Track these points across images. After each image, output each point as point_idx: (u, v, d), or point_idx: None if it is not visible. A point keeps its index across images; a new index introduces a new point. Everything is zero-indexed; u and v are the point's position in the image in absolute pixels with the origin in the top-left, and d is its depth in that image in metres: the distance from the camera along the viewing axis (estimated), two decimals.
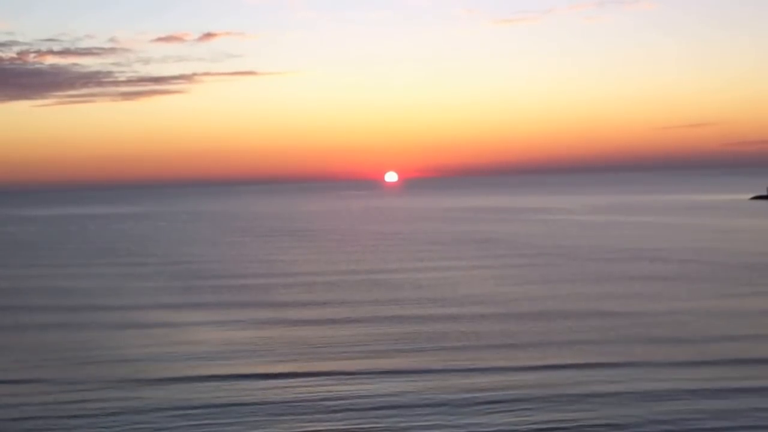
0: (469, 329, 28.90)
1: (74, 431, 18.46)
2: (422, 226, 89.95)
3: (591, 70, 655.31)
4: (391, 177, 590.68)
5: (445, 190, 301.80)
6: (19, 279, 48.83)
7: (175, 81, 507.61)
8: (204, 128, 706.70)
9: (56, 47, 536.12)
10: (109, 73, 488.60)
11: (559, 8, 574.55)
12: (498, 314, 31.76)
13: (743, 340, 26.24)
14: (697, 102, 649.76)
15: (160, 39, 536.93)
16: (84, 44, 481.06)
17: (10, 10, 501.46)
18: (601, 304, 33.73)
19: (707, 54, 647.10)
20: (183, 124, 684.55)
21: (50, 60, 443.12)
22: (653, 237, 66.74)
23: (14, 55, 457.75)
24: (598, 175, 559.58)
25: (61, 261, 59.89)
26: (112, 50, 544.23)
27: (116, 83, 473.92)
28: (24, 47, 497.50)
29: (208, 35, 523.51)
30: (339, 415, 19.07)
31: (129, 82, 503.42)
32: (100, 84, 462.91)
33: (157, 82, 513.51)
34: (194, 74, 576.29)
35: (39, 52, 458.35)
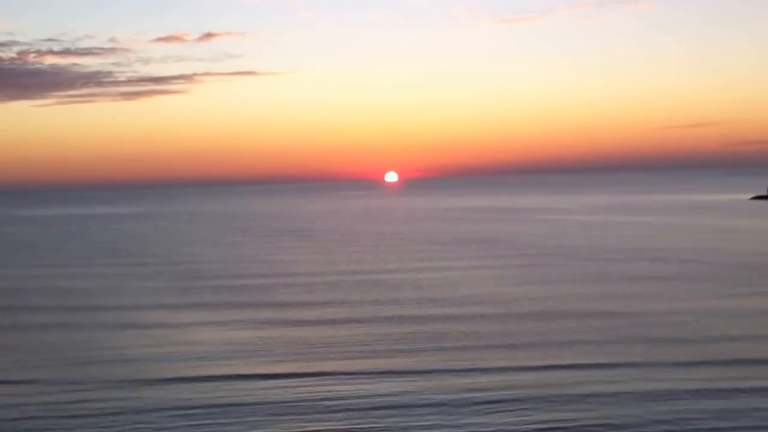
0: (469, 329, 28.90)
1: (74, 431, 18.47)
2: (422, 226, 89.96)
3: (591, 70, 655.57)
4: (391, 177, 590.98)
5: (445, 190, 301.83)
6: (19, 279, 48.84)
7: (175, 81, 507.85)
8: (204, 128, 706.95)
9: (56, 47, 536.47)
10: (109, 73, 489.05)
11: (559, 8, 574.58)
12: (498, 314, 31.77)
13: (743, 340, 26.25)
14: (697, 102, 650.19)
15: (160, 39, 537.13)
16: (84, 44, 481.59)
17: (10, 10, 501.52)
18: (601, 304, 33.74)
19: (707, 54, 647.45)
20: (183, 124, 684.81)
21: (50, 60, 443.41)
22: (653, 237, 66.75)
23: (14, 55, 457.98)
24: (598, 175, 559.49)
25: (61, 261, 59.89)
26: (112, 50, 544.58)
27: (116, 83, 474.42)
28: (24, 47, 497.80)
29: (208, 35, 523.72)
30: (339, 415, 19.08)
31: (129, 82, 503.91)
32: (100, 84, 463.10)
33: (157, 82, 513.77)
34: (194, 74, 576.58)
35: (39, 52, 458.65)
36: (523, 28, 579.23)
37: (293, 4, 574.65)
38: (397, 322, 30.77)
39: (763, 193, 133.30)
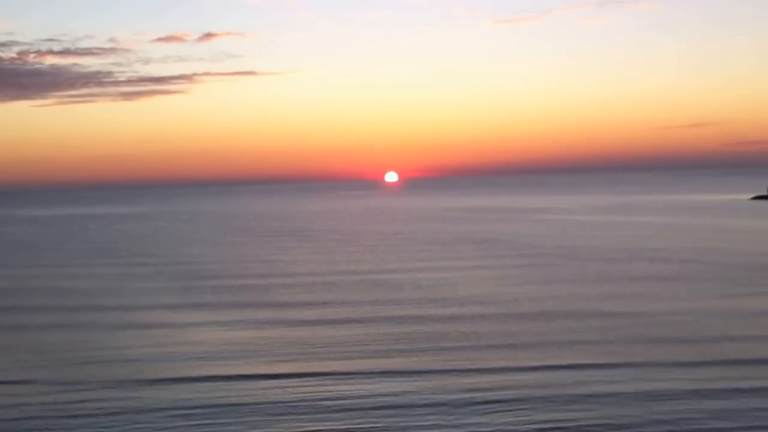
0: (469, 329, 28.90)
1: (74, 431, 18.47)
2: (422, 226, 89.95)
3: (591, 70, 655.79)
4: (391, 177, 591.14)
5: (445, 190, 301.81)
6: (20, 279, 48.84)
7: (175, 81, 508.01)
8: (204, 128, 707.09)
9: (56, 47, 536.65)
10: (109, 73, 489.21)
11: (559, 8, 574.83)
12: (498, 314, 31.77)
13: (743, 340, 26.24)
14: (697, 102, 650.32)
15: (160, 39, 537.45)
16: (84, 44, 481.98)
17: (10, 10, 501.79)
18: (601, 304, 33.74)
19: (707, 54, 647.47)
20: (183, 124, 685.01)
21: (50, 60, 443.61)
22: (653, 237, 66.75)
23: (14, 55, 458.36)
24: (598, 175, 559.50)
25: (61, 261, 59.89)
26: (112, 50, 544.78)
27: (116, 83, 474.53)
28: (24, 47, 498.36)
29: (208, 35, 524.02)
30: (339, 415, 19.07)
31: (129, 82, 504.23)
32: (100, 84, 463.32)
33: (157, 82, 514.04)
34: (194, 74, 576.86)
35: (39, 52, 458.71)
36: (523, 28, 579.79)
37: (293, 4, 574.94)
38: (397, 322, 30.76)
39: (763, 193, 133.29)
